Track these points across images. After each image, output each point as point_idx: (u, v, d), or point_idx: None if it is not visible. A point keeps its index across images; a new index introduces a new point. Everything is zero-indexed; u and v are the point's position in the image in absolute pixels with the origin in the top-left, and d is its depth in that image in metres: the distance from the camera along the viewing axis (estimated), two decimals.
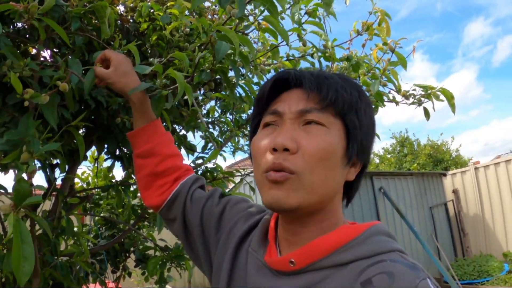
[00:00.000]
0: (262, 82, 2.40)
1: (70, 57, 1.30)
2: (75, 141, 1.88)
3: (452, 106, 2.03)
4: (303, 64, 2.32)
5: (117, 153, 2.12)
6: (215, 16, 2.10)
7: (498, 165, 10.11)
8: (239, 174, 2.47)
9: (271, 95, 0.95)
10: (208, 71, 1.64)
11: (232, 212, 1.17)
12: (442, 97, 2.08)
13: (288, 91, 0.94)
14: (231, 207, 1.18)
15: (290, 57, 2.21)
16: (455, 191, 11.00)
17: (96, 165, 2.92)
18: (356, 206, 7.68)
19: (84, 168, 3.22)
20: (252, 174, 2.38)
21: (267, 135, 0.91)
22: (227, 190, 2.20)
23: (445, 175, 11.32)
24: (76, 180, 3.17)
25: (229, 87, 1.83)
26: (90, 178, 3.14)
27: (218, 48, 1.41)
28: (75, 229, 2.08)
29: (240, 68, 1.76)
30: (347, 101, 0.88)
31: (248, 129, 3.07)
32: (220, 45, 1.41)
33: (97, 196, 3.22)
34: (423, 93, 2.13)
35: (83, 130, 2.06)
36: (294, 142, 0.85)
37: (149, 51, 1.89)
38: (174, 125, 2.48)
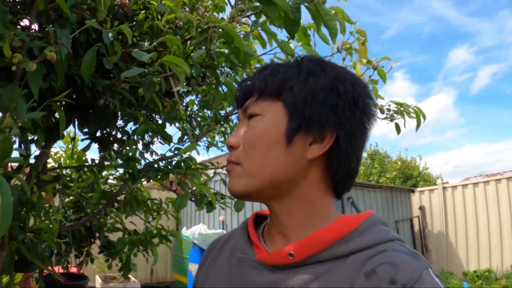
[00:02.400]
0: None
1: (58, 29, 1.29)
2: (53, 119, 1.88)
3: (418, 124, 2.16)
4: None
5: (97, 134, 2.13)
6: (206, 13, 2.12)
7: (466, 187, 10.31)
8: (213, 167, 2.47)
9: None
10: (198, 65, 1.66)
11: (201, 274, 1.08)
12: (413, 114, 2.20)
13: None
14: (198, 274, 1.09)
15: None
16: (421, 208, 11.18)
17: (71, 146, 2.89)
18: None
19: (58, 149, 3.18)
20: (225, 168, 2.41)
21: None
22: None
23: (413, 191, 11.50)
24: (48, 160, 3.14)
25: (216, 84, 1.86)
26: (62, 159, 3.11)
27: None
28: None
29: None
30: (276, 83, 0.89)
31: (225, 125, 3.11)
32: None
33: (68, 178, 3.19)
34: (396, 109, 2.24)
35: (63, 109, 2.06)
36: (236, 138, 0.92)
37: (139, 38, 1.90)
38: (154, 115, 2.49)
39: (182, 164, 2.14)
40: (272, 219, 0.95)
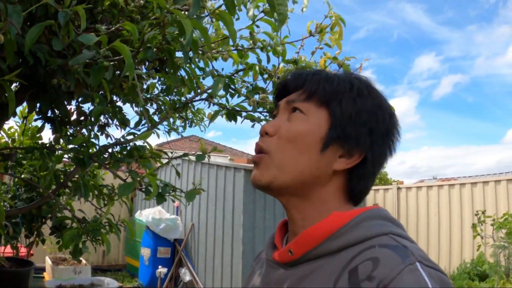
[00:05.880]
0: (207, 69, 2.40)
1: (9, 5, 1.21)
2: (6, 94, 1.80)
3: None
4: (251, 57, 2.32)
5: (49, 114, 2.05)
6: None
7: (420, 189, 10.48)
8: (167, 156, 2.40)
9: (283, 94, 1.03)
10: (154, 49, 1.62)
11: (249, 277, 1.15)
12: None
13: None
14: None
15: (239, 48, 2.22)
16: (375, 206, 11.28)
17: (25, 122, 2.79)
18: (278, 211, 7.62)
19: (12, 123, 3.08)
20: (182, 158, 2.36)
21: None
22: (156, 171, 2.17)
23: None
24: (2, 134, 3.03)
25: (173, 69, 1.82)
26: (16, 134, 3.02)
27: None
28: None
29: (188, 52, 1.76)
30: (328, 91, 0.93)
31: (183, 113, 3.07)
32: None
33: (20, 155, 3.10)
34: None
35: (17, 84, 1.98)
36: (274, 127, 0.95)
37: (100, 16, 1.84)
38: (112, 95, 2.42)
39: (135, 152, 2.07)
40: (289, 219, 0.99)
